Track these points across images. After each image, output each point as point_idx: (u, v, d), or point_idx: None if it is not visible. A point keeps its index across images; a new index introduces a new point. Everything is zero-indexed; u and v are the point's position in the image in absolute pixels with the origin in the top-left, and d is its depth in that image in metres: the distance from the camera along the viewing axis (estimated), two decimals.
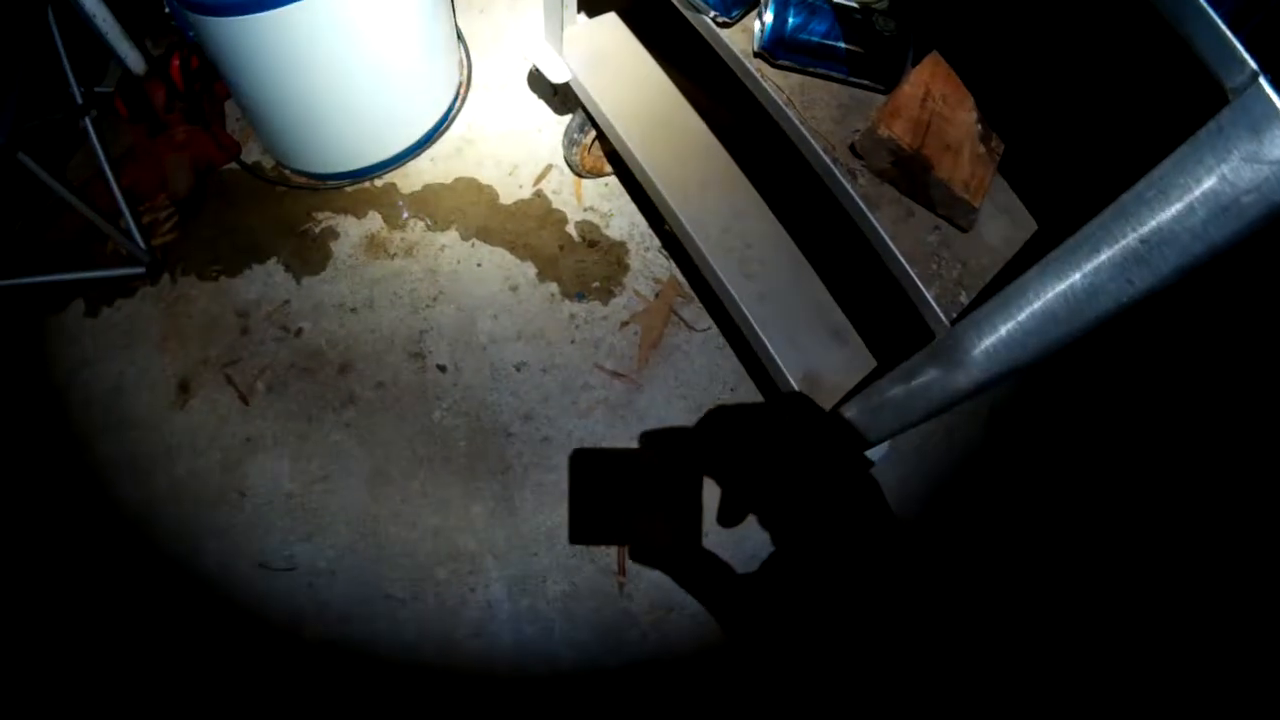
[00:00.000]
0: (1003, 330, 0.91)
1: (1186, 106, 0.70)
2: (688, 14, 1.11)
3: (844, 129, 1.16)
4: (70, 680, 1.43)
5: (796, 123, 1.12)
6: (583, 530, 1.45)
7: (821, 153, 1.12)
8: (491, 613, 1.41)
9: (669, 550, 1.43)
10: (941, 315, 1.06)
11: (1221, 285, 1.61)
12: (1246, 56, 0.63)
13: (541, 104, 1.75)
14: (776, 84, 1.17)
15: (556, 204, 1.66)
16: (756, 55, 1.17)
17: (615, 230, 1.63)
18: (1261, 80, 0.62)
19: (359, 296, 1.62)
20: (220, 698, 1.42)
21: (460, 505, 1.48)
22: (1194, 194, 0.68)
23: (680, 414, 1.51)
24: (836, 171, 1.11)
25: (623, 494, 1.47)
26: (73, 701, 1.42)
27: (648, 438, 1.49)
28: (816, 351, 1.36)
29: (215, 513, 1.54)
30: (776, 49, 1.17)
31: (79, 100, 1.69)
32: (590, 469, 1.48)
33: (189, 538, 1.53)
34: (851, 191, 1.10)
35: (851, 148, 1.14)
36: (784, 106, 1.14)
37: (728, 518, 1.40)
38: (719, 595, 1.40)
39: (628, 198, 1.64)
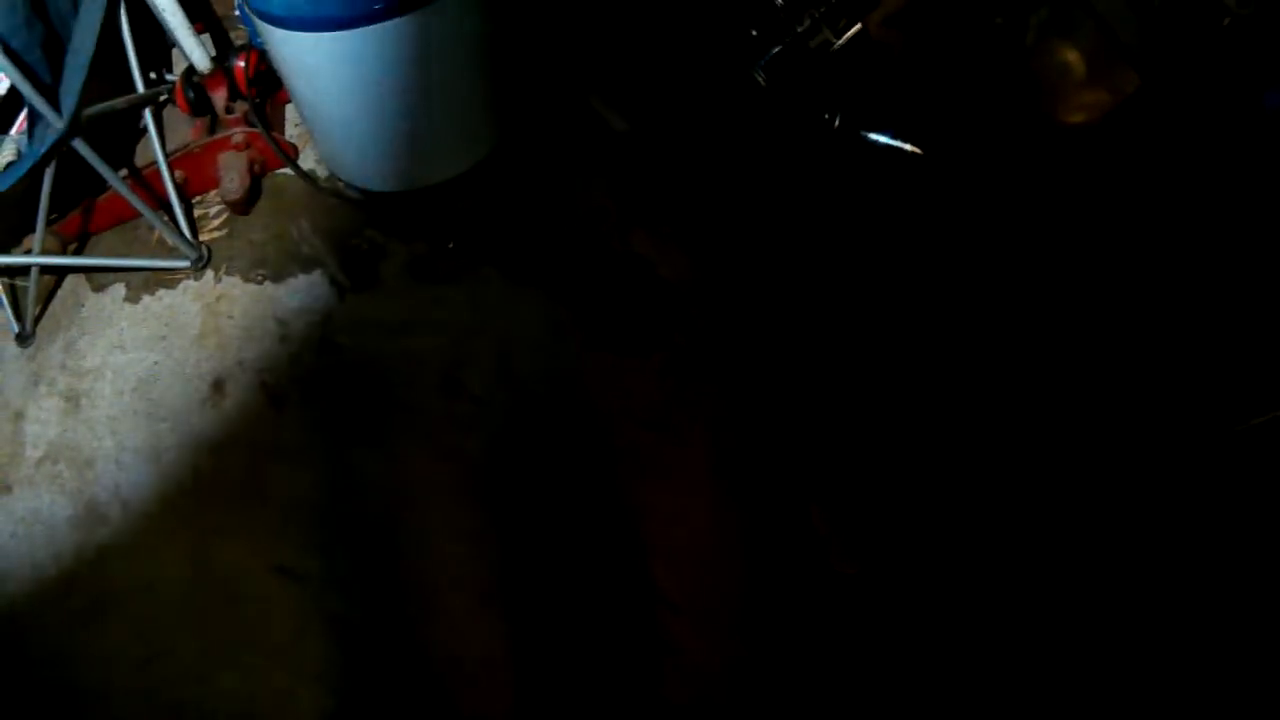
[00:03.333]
0: None
1: None
2: None
3: None
4: None
5: None
6: None
7: None
8: (502, 651, 1.45)
9: None
10: None
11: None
12: None
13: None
14: None
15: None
16: None
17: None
18: None
19: (400, 318, 1.65)
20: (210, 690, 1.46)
21: (483, 538, 1.51)
22: None
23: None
24: None
25: None
26: None
27: None
28: None
29: (235, 512, 1.57)
30: None
31: (141, 90, 1.71)
32: None
33: (207, 531, 1.56)
34: None
35: None
36: None
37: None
38: None
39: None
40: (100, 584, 1.54)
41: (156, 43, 1.85)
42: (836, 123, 1.09)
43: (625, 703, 1.42)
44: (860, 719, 1.39)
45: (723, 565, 1.48)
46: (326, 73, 1.50)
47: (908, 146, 1.25)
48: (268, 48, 1.57)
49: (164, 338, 1.70)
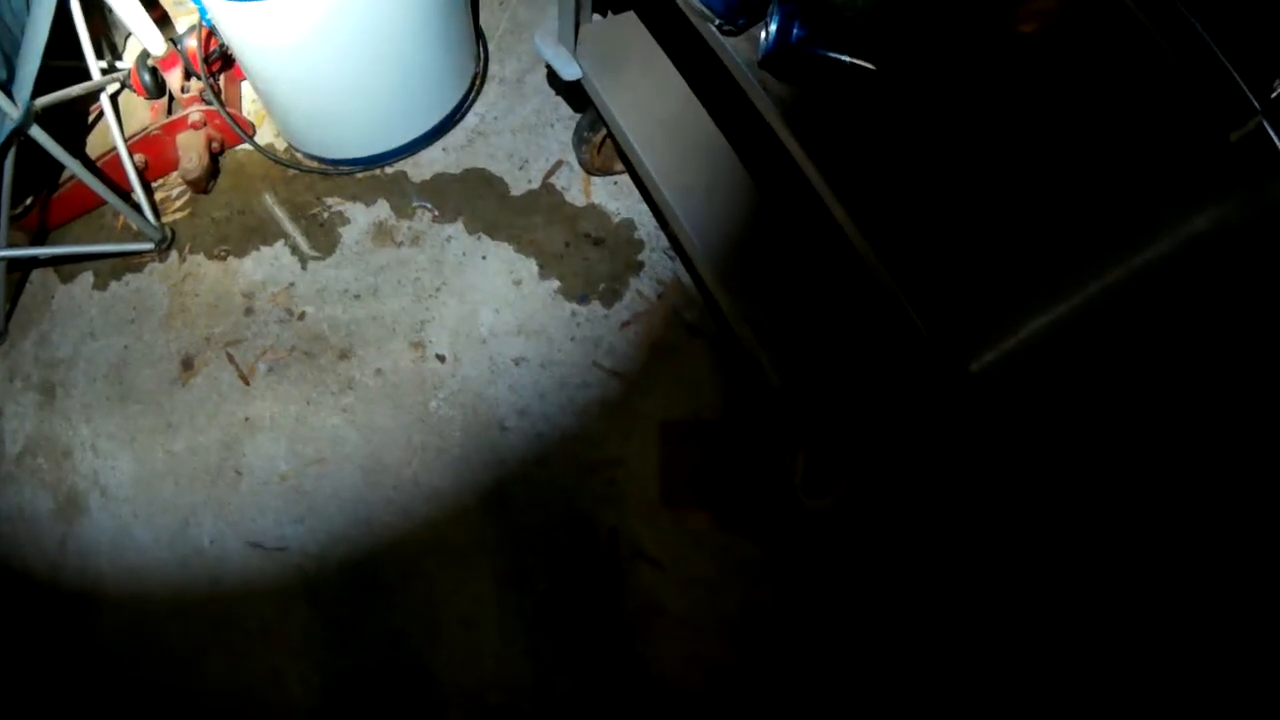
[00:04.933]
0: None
1: None
2: (694, 20, 1.10)
3: None
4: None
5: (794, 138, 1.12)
6: (674, 495, 1.45)
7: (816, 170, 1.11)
8: (481, 612, 1.41)
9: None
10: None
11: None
12: None
13: (557, 99, 1.75)
14: (780, 96, 1.16)
15: (565, 200, 1.66)
16: (760, 65, 1.16)
17: (622, 229, 1.63)
18: None
19: (363, 283, 1.62)
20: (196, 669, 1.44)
21: (453, 497, 1.48)
22: None
23: (677, 418, 1.50)
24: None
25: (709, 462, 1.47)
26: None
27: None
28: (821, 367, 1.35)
29: (211, 489, 1.55)
30: (780, 60, 1.17)
31: (96, 76, 1.70)
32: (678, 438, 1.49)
33: (185, 512, 1.54)
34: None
35: None
36: (784, 120, 1.13)
37: (813, 488, 1.38)
38: None
39: (637, 197, 1.64)
40: (84, 576, 1.53)
41: (111, 28, 1.85)
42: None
43: (614, 671, 1.37)
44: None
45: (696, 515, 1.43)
46: (270, 41, 1.48)
47: (861, 62, 1.19)
48: (216, 23, 1.55)
49: (133, 321, 1.69)
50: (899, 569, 1.35)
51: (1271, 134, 0.66)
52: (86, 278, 1.75)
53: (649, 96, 1.47)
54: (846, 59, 1.21)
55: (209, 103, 1.72)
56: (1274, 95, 0.64)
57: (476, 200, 1.67)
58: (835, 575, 1.38)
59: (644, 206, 1.64)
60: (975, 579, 1.26)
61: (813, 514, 1.33)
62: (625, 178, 1.66)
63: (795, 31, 0.95)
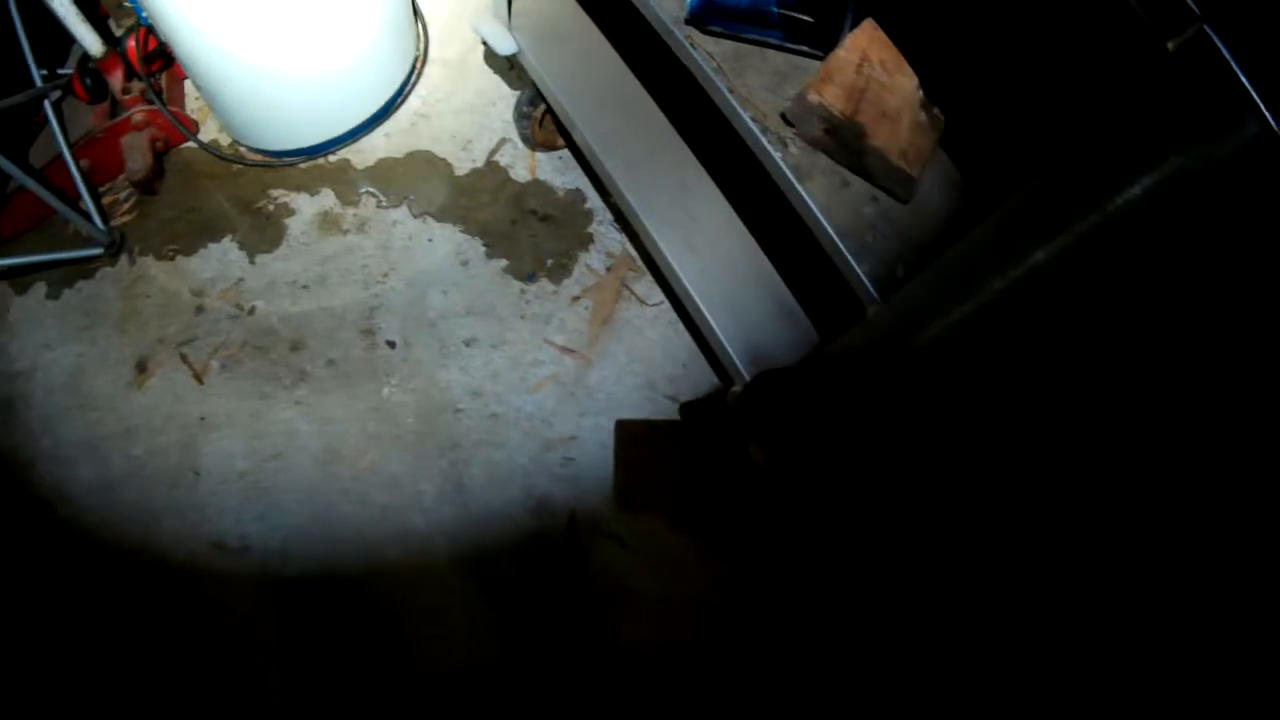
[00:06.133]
0: (933, 307, 0.88)
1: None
2: None
3: (779, 97, 1.12)
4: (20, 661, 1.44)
5: (724, 90, 1.09)
6: (630, 499, 1.43)
7: (749, 121, 1.08)
8: (445, 597, 1.39)
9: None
10: (874, 291, 1.02)
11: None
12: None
13: (497, 78, 1.72)
14: (708, 51, 1.13)
15: (510, 178, 1.63)
16: (687, 22, 1.13)
17: (569, 203, 1.60)
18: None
19: (311, 274, 1.60)
20: (173, 677, 1.42)
21: (410, 483, 1.46)
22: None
23: (632, 390, 1.47)
24: (764, 140, 1.07)
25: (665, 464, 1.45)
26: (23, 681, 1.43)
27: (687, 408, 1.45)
28: (763, 328, 1.32)
29: (172, 492, 1.54)
30: (706, 14, 1.14)
31: (38, 84, 1.68)
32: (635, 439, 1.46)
33: (146, 518, 1.53)
34: (779, 160, 1.07)
35: (783, 116, 1.10)
36: (713, 75, 1.10)
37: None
38: None
39: (580, 171, 1.61)
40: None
41: (53, 34, 1.83)
42: None
43: (581, 649, 1.35)
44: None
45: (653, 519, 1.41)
46: (206, 31, 1.46)
47: (796, 14, 1.17)
48: (152, 18, 1.53)
49: (87, 329, 1.68)
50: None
51: (1216, 40, 0.58)
52: (40, 288, 1.74)
53: (583, 69, 1.45)
54: (776, 10, 1.18)
55: (150, 102, 1.70)
56: None
57: (421, 183, 1.64)
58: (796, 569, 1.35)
59: (587, 180, 1.61)
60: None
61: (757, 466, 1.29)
62: (568, 152, 1.64)
63: None
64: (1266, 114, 0.54)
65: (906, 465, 1.07)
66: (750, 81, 1.13)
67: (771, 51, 1.17)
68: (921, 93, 1.11)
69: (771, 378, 1.27)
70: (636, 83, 1.42)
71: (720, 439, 1.43)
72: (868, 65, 1.09)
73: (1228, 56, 0.56)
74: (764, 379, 1.26)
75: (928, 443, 1.03)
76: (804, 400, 1.21)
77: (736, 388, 1.28)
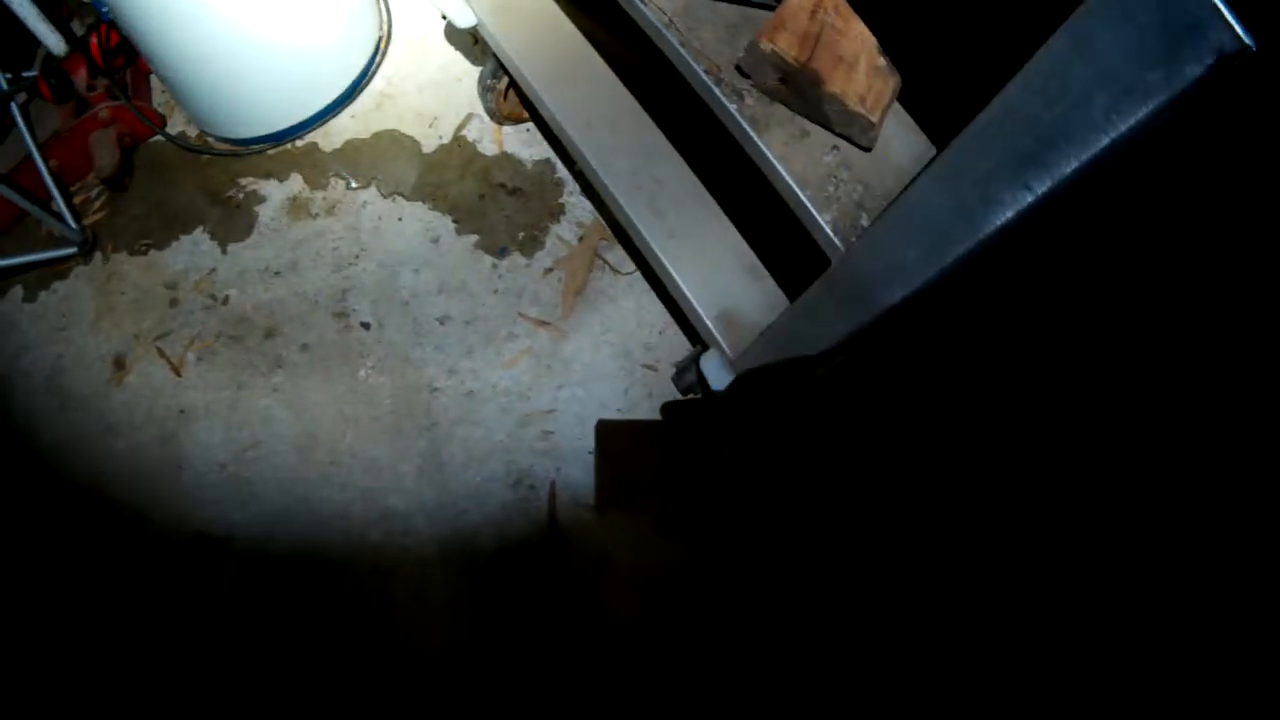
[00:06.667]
0: (898, 253, 0.85)
1: None
2: None
3: (733, 49, 1.09)
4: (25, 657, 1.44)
5: (676, 44, 1.06)
6: (610, 500, 1.41)
7: (702, 73, 1.05)
8: (428, 577, 1.38)
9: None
10: (837, 241, 1.00)
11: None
12: None
13: (460, 54, 1.70)
14: (658, 5, 1.10)
15: (478, 152, 1.61)
16: None
17: (537, 176, 1.58)
18: None
19: (282, 259, 1.59)
20: (165, 671, 1.42)
21: (389, 465, 1.45)
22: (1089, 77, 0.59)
23: (608, 359, 1.45)
24: (717, 91, 1.05)
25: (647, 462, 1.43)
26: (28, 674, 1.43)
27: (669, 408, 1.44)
28: (732, 289, 1.30)
29: (156, 487, 1.53)
30: None
31: (3, 87, 1.68)
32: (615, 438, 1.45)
33: (131, 515, 1.52)
34: (734, 112, 1.04)
35: (737, 67, 1.07)
36: (663, 29, 1.07)
37: None
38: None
39: (547, 143, 1.59)
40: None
41: (17, 35, 1.82)
42: None
43: (565, 623, 1.33)
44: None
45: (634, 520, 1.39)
46: (165, 21, 1.45)
47: None
48: (113, 13, 1.52)
49: (64, 329, 1.67)
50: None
51: None
52: (16, 291, 1.73)
53: (542, 38, 1.42)
54: None
55: (116, 98, 1.69)
56: None
57: (389, 163, 1.62)
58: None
59: (553, 151, 1.59)
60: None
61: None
62: (535, 124, 1.61)
63: None
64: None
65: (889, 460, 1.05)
66: (704, 35, 1.10)
67: (724, 4, 1.14)
68: (878, 37, 1.08)
69: (753, 377, 1.24)
70: (591, 49, 1.40)
71: (701, 439, 1.41)
72: (822, 11, 1.06)
73: None
74: (746, 379, 1.24)
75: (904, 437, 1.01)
76: (785, 399, 1.19)
77: (708, 350, 1.25)
